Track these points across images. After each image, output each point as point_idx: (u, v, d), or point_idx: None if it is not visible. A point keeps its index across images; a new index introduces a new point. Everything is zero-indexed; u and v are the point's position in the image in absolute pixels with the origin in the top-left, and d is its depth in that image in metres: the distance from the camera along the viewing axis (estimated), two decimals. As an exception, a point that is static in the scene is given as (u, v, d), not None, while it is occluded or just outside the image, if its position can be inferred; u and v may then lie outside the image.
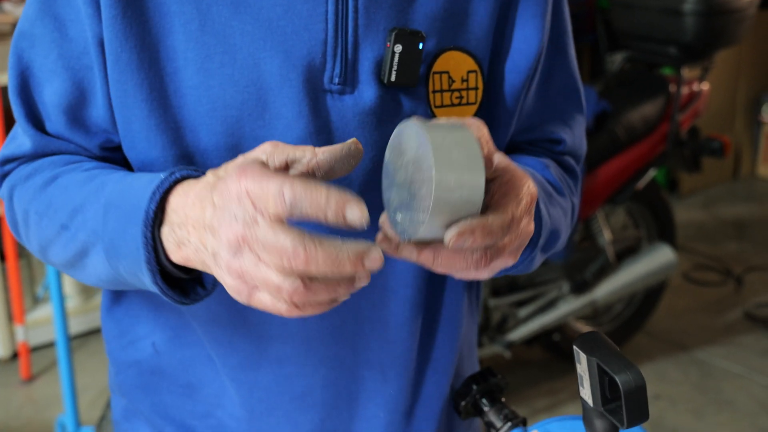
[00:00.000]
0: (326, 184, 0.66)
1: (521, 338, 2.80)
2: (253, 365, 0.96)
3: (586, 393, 0.81)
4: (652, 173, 2.97)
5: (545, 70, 1.00)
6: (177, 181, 0.76)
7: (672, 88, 2.91)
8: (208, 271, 0.73)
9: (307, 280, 0.66)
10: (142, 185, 0.77)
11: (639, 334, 3.31)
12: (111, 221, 0.79)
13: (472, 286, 1.09)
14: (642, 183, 2.96)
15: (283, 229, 0.65)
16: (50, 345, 3.17)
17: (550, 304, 2.86)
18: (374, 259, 0.66)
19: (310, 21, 0.85)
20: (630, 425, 0.77)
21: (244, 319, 0.93)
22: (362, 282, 0.68)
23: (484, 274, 0.78)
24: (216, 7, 0.84)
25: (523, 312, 2.83)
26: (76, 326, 3.23)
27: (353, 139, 0.73)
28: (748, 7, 2.88)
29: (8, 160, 0.94)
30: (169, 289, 0.77)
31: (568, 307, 2.84)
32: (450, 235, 0.70)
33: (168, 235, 0.75)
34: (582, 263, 2.95)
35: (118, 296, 1.03)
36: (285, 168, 0.72)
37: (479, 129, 0.77)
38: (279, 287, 0.66)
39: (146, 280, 0.77)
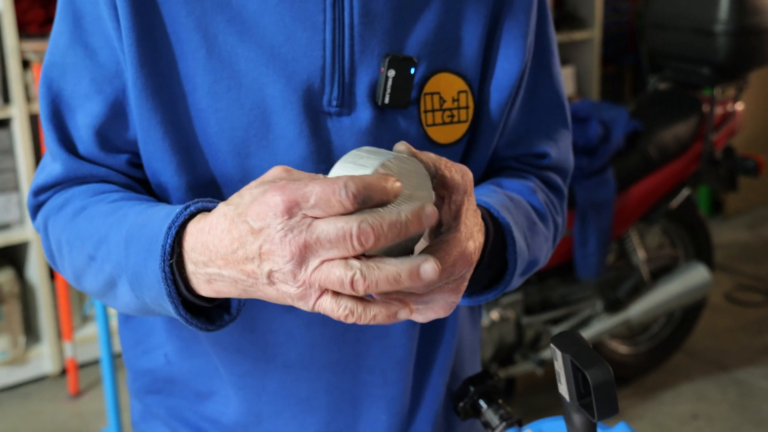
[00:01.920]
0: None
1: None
2: (260, 371, 1.00)
3: (563, 389, 0.86)
4: (686, 192, 2.98)
5: (530, 86, 1.04)
6: (192, 215, 0.77)
7: (705, 107, 2.92)
8: (250, 296, 0.72)
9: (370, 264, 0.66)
10: (159, 219, 0.79)
11: (678, 354, 3.30)
12: (132, 255, 0.81)
13: None
14: (676, 202, 2.97)
15: (338, 218, 0.65)
16: (97, 362, 3.26)
17: (584, 323, 2.87)
18: (430, 215, 0.66)
19: (310, 48, 0.90)
20: (600, 418, 0.81)
21: (251, 328, 0.97)
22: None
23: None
24: (222, 35, 0.89)
25: (556, 330, 2.85)
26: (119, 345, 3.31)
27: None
28: (780, 26, 2.89)
29: (41, 190, 0.97)
30: (193, 318, 0.78)
31: (601, 325, 2.85)
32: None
33: (195, 275, 0.75)
34: (615, 282, 2.95)
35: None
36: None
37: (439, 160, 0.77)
38: (342, 280, 0.65)
39: (170, 310, 0.78)
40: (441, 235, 0.77)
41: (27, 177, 2.90)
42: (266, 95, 0.90)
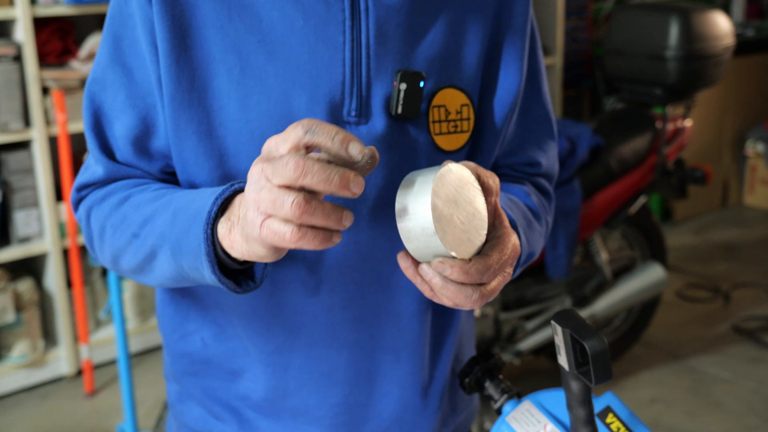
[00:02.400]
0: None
1: (529, 348, 2.86)
2: (287, 349, 1.03)
3: (562, 360, 0.91)
4: (642, 200, 3.04)
5: (523, 103, 1.09)
6: (236, 192, 0.84)
7: (658, 124, 3.00)
8: (243, 241, 0.79)
9: (307, 195, 0.72)
10: (206, 195, 0.85)
11: (637, 345, 3.36)
12: (178, 224, 0.87)
13: None
14: (634, 209, 3.03)
15: (291, 153, 0.72)
16: (110, 363, 3.27)
17: (554, 318, 2.92)
18: (357, 183, 0.72)
19: (332, 65, 0.94)
20: (597, 382, 0.86)
21: (279, 312, 1.01)
22: (348, 220, 0.74)
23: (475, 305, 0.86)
24: (254, 55, 0.93)
25: (531, 325, 2.89)
26: (134, 345, 3.33)
27: (372, 147, 0.78)
28: (723, 52, 2.97)
29: (84, 187, 1.02)
30: (225, 279, 0.84)
31: (570, 320, 2.91)
32: (435, 262, 0.80)
33: (222, 225, 0.82)
34: (582, 280, 3.01)
35: (169, 298, 1.11)
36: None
37: (485, 175, 0.85)
38: (282, 202, 0.71)
39: (206, 273, 0.83)
40: (493, 231, 0.85)
41: (46, 195, 2.92)
42: (293, 107, 0.94)
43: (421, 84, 0.96)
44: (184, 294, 1.08)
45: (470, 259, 0.81)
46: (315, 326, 1.02)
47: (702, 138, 4.66)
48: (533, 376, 3.15)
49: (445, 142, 1.01)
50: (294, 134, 0.74)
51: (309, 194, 0.72)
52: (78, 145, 3.09)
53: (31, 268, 3.16)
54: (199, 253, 0.83)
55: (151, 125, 0.97)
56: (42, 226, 2.99)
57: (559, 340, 0.90)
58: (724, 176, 5.01)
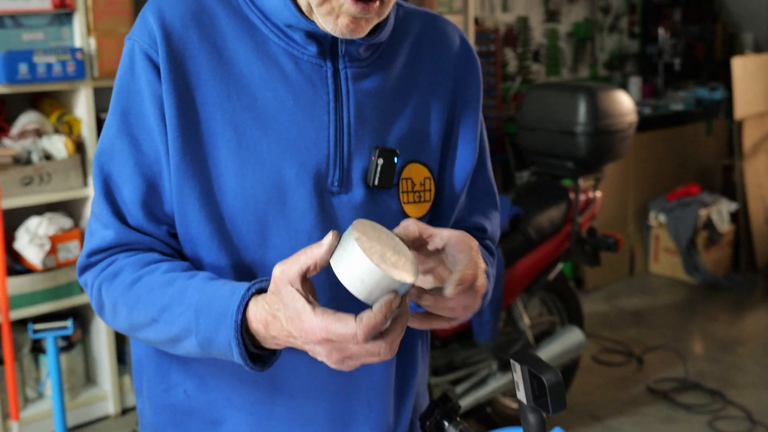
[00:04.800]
0: (369, 312, 0.87)
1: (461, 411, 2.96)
2: (269, 400, 1.12)
3: (521, 395, 1.03)
4: (560, 266, 3.23)
5: (472, 177, 1.23)
6: (252, 294, 0.95)
7: (572, 195, 3.20)
8: (284, 343, 0.94)
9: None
10: (224, 297, 0.96)
11: (558, 408, 3.49)
12: (203, 324, 0.97)
13: (424, 337, 1.28)
14: (552, 275, 3.20)
15: (367, 343, 0.87)
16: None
17: (482, 381, 3.02)
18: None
19: (318, 141, 1.07)
20: (554, 411, 0.98)
21: None
22: None
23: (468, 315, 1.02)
24: (249, 130, 1.05)
25: (460, 389, 2.99)
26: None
27: (332, 233, 0.91)
28: (628, 128, 3.22)
29: (94, 252, 1.09)
30: (254, 365, 0.96)
31: (496, 383, 3.00)
32: (448, 291, 0.94)
33: (265, 343, 0.95)
34: (507, 345, 3.12)
35: (152, 352, 1.17)
36: (303, 280, 0.91)
37: (415, 223, 0.98)
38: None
39: (236, 361, 0.96)
40: (448, 241, 0.99)
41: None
42: (283, 176, 1.06)
43: (396, 160, 1.10)
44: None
45: (455, 276, 0.94)
46: (296, 377, 1.12)
47: (608, 209, 4.92)
48: None
49: (412, 210, 1.15)
50: (354, 342, 0.87)
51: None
52: (9, 221, 3.10)
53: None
54: (231, 352, 0.96)
55: (158, 191, 1.07)
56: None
57: (518, 377, 1.03)
58: (630, 245, 5.27)
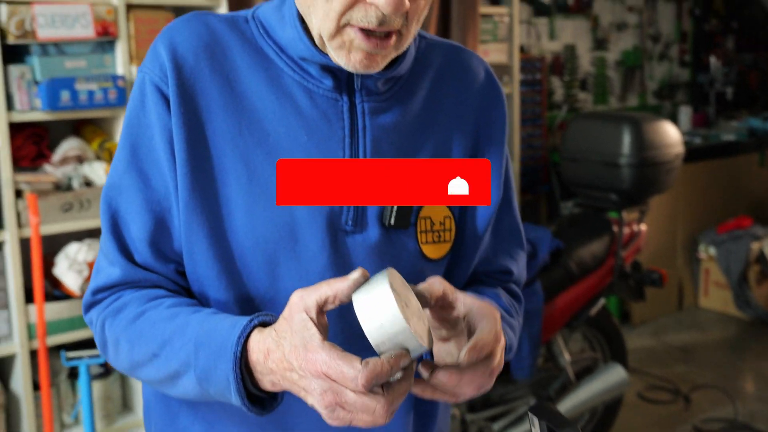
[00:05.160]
0: (377, 359, 0.82)
1: None
2: None
3: (539, 449, 0.99)
4: (602, 302, 3.15)
5: (497, 216, 1.18)
6: (254, 326, 0.91)
7: (615, 228, 3.13)
8: (286, 387, 0.89)
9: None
10: (225, 330, 0.92)
11: (600, 447, 3.41)
12: (202, 358, 0.93)
13: None
14: (594, 310, 3.13)
15: (364, 395, 0.82)
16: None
17: (520, 419, 2.96)
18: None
19: None
20: None
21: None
22: None
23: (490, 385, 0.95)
24: (261, 166, 1.02)
25: (497, 426, 2.93)
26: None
27: (360, 270, 0.88)
28: (674, 160, 3.14)
29: (99, 290, 1.07)
30: (252, 406, 0.92)
31: (535, 421, 2.95)
32: (462, 355, 0.88)
33: (261, 380, 0.90)
34: (546, 381, 3.07)
35: (161, 395, 1.15)
36: (320, 311, 0.87)
37: (442, 282, 0.93)
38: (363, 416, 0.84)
39: (234, 402, 0.92)
40: (471, 311, 0.93)
41: (15, 296, 2.94)
42: (295, 215, 1.02)
43: None
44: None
45: (472, 341, 0.89)
46: (307, 423, 1.08)
47: (656, 242, 4.82)
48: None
49: (431, 251, 1.10)
50: (353, 385, 0.82)
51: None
52: (49, 247, 3.13)
53: (-4, 371, 3.15)
54: (228, 388, 0.91)
55: (166, 227, 1.04)
56: (11, 328, 3.00)
57: (536, 430, 0.98)
58: (678, 279, 5.15)
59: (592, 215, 3.25)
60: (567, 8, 5.30)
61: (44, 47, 2.90)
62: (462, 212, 1.14)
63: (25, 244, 3.01)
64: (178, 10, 3.33)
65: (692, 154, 4.90)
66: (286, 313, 0.88)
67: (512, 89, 4.31)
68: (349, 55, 0.98)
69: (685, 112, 5.69)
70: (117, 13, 3.00)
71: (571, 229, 3.15)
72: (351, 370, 0.81)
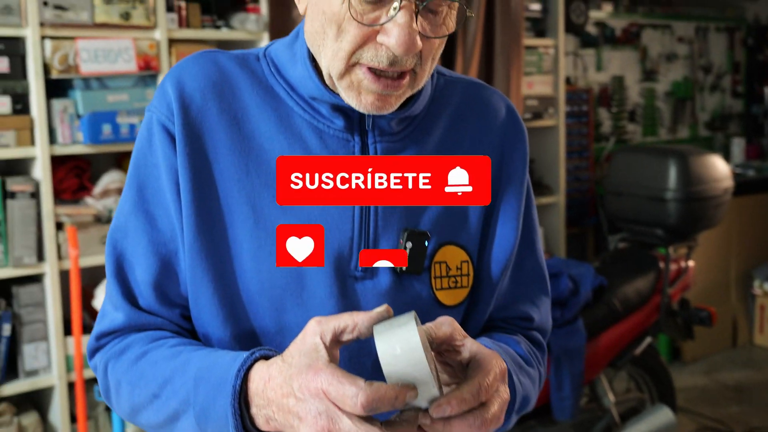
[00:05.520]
0: (382, 382, 0.77)
1: None
2: None
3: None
4: (648, 340, 3.06)
5: (517, 259, 1.13)
6: (256, 360, 0.87)
7: (661, 264, 3.05)
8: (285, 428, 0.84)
9: None
10: (226, 363, 0.88)
11: (648, 491, 3.29)
12: (201, 393, 0.89)
13: None
14: (640, 349, 3.04)
15: (360, 422, 0.77)
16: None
17: (562, 461, 2.89)
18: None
19: (341, 221, 0.99)
20: None
21: None
22: None
23: None
24: (268, 208, 0.99)
25: (537, 468, 2.87)
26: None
27: (386, 306, 0.83)
28: (723, 194, 3.05)
29: (103, 335, 1.05)
30: None
31: (577, 463, 2.88)
32: (432, 407, 0.80)
33: (256, 415, 0.85)
34: (589, 423, 2.98)
35: None
36: (336, 340, 0.82)
37: (451, 324, 0.87)
38: None
39: None
40: (473, 357, 0.86)
41: (55, 328, 2.96)
42: None
43: (426, 243, 1.01)
44: None
45: (459, 386, 0.82)
46: None
47: (708, 277, 4.69)
48: None
49: (446, 297, 1.05)
50: (351, 407, 0.77)
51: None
52: (88, 279, 3.15)
53: (35, 401, 3.16)
54: (226, 425, 0.87)
55: (172, 271, 1.01)
56: (50, 360, 3.01)
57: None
58: (732, 315, 5.01)
59: (637, 251, 3.18)
60: (615, 39, 5.23)
61: (87, 81, 2.94)
62: (479, 255, 1.09)
63: (64, 277, 3.03)
64: (221, 44, 3.36)
65: (746, 186, 4.77)
66: (299, 337, 0.84)
67: (558, 121, 4.25)
68: (359, 97, 0.94)
69: (738, 144, 5.57)
70: (159, 48, 3.03)
71: (616, 265, 3.08)
72: (353, 387, 0.76)
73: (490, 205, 1.09)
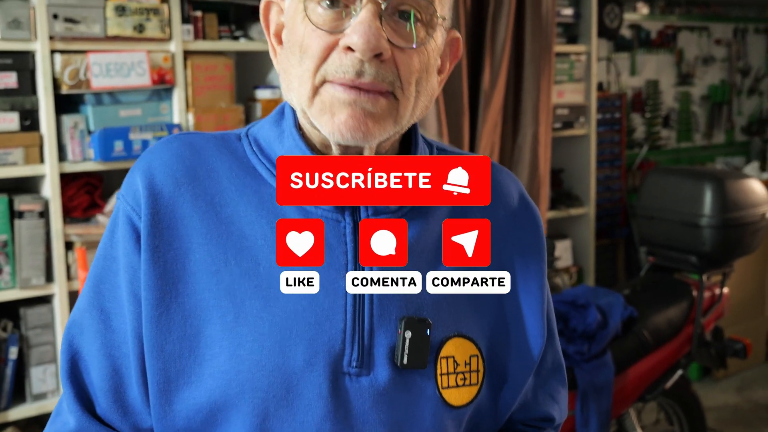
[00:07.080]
0: None
1: None
2: None
3: None
4: (679, 373, 2.92)
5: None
6: None
7: (694, 292, 2.91)
8: None
9: None
10: None
11: None
12: None
13: None
14: (671, 382, 2.91)
15: None
16: None
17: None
18: None
19: (332, 312, 0.90)
20: None
21: None
22: None
23: None
24: (249, 301, 0.90)
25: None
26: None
27: None
28: (760, 221, 2.91)
29: None
30: None
31: (603, 501, 2.76)
32: None
33: None
34: (615, 459, 2.88)
35: None
36: None
37: None
38: None
39: None
40: None
41: (64, 349, 2.89)
42: (288, 357, 0.89)
43: (428, 332, 0.92)
44: None
45: None
46: None
47: (742, 290, 4.54)
48: None
49: (453, 397, 0.96)
50: None
51: None
52: (99, 298, 3.08)
53: (43, 424, 3.09)
54: None
55: (123, 377, 0.94)
56: (58, 383, 2.94)
57: None
58: (766, 330, 4.85)
59: (669, 279, 3.05)
60: (650, 42, 5.06)
61: (98, 96, 2.85)
62: (496, 350, 0.99)
63: (74, 298, 2.96)
64: (239, 56, 3.25)
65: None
66: None
67: (589, 130, 4.12)
68: (333, 119, 0.87)
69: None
70: (174, 60, 2.93)
71: (645, 293, 2.95)
72: None
73: (508, 296, 0.99)
